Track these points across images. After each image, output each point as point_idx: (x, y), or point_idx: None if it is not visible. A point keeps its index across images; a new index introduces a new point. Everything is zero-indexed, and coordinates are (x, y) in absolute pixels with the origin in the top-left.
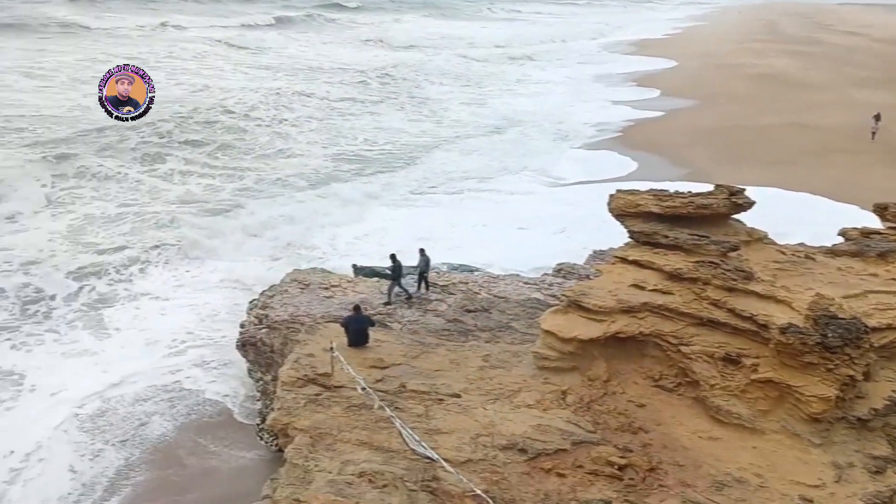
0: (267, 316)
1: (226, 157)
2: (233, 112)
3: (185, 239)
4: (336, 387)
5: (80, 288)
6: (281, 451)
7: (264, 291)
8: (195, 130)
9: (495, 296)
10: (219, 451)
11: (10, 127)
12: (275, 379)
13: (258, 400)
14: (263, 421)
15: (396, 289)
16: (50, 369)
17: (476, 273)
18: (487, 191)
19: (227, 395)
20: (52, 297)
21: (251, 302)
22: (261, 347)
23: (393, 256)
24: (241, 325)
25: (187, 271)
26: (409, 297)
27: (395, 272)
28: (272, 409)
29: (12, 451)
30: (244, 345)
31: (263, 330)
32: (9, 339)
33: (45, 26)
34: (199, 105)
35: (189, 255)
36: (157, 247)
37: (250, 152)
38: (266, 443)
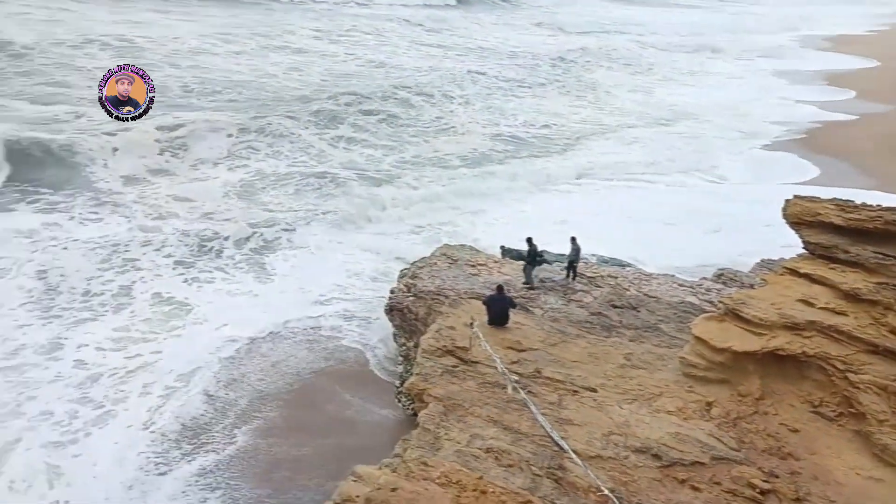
0: (415, 285)
1: (391, 130)
2: (406, 87)
3: (342, 204)
4: (472, 362)
5: (248, 237)
6: (415, 414)
7: (415, 262)
8: (367, 101)
9: (646, 294)
10: (355, 402)
11: (205, 90)
12: (417, 346)
13: (399, 364)
14: (403, 384)
15: (535, 272)
16: (216, 304)
17: (627, 269)
18: (641, 182)
19: (367, 348)
20: (226, 238)
21: (402, 270)
22: (406, 314)
23: (529, 240)
24: (391, 292)
25: (341, 233)
26: (531, 284)
27: (531, 256)
28: (411, 374)
29: (171, 370)
30: (391, 309)
31: (410, 298)
32: (182, 274)
33: None
34: (373, 79)
35: (344, 219)
36: (316, 208)
37: (413, 127)
38: (403, 405)
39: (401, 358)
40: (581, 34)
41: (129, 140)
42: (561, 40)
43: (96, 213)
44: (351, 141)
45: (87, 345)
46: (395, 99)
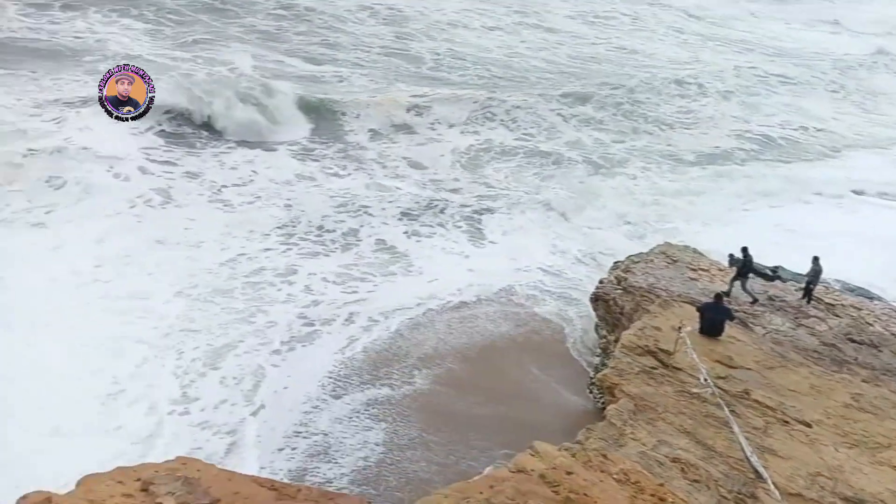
0: (626, 279)
1: (627, 115)
2: (656, 76)
3: (560, 186)
4: (674, 367)
5: (469, 205)
6: (604, 408)
7: (630, 256)
8: (609, 86)
9: (893, 334)
10: (543, 378)
11: (454, 64)
12: (617, 340)
13: (597, 355)
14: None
15: (748, 285)
16: (430, 259)
17: (875, 302)
18: None
19: (567, 322)
20: (450, 202)
21: (615, 262)
22: (612, 306)
23: (744, 250)
24: (600, 282)
25: (553, 213)
26: (754, 300)
27: (745, 266)
28: (606, 366)
29: (376, 309)
30: (597, 299)
31: (619, 291)
32: (406, 227)
33: None
34: (621, 65)
35: (559, 201)
36: (534, 188)
37: (652, 115)
38: (594, 396)
39: (599, 349)
40: (869, 35)
41: (382, 102)
42: (843, 39)
43: (344, 166)
44: (583, 121)
45: (315, 274)
46: (642, 85)
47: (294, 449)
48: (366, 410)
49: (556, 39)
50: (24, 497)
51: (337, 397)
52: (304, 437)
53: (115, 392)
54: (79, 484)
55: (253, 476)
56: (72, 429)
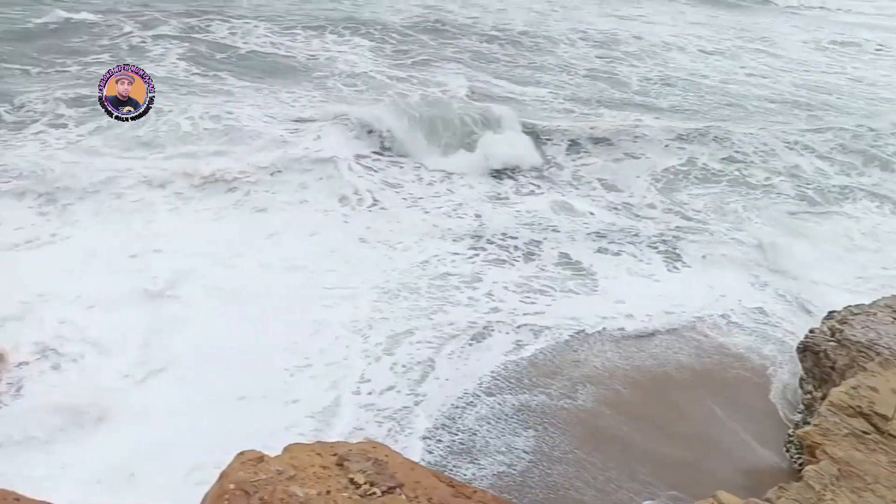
0: (842, 331)
1: (867, 146)
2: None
3: (763, 221)
4: (890, 435)
5: (664, 232)
6: (800, 468)
7: (849, 306)
8: (836, 115)
9: None
10: (728, 423)
11: (662, 91)
12: (824, 397)
13: (800, 411)
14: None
15: None
16: (616, 279)
17: None
18: None
19: (769, 367)
20: (639, 229)
21: (830, 312)
22: (822, 359)
23: None
24: (810, 331)
25: (754, 246)
26: None
27: None
28: (808, 423)
29: (551, 320)
30: (805, 349)
31: (832, 343)
32: (594, 243)
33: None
34: (853, 97)
35: (763, 238)
36: (735, 222)
37: (893, 147)
38: (790, 455)
39: (802, 405)
40: None
41: (586, 125)
42: None
43: (538, 185)
44: (805, 147)
45: (497, 282)
46: (883, 118)
47: (439, 442)
48: (516, 415)
49: (781, 66)
50: (241, 453)
51: (490, 395)
52: (450, 433)
53: (302, 366)
54: (285, 450)
55: (431, 470)
56: (255, 397)
